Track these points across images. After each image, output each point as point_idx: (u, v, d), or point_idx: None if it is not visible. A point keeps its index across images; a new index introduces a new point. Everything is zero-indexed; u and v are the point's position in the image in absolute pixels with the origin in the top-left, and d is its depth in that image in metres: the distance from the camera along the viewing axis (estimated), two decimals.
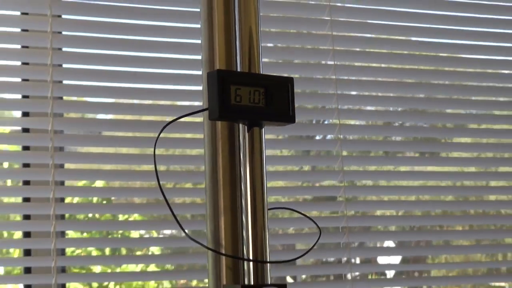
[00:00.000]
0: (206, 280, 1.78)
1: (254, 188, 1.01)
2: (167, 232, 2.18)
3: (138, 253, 2.12)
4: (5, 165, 1.91)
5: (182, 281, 2.17)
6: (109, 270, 1.84)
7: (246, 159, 1.02)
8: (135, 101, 1.78)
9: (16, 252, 1.73)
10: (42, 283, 1.63)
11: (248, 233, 1.00)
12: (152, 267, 1.99)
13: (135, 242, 1.97)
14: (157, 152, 1.78)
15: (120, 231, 2.37)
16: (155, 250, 2.38)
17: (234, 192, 1.04)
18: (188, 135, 1.76)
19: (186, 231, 1.02)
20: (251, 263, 0.99)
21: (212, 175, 1.05)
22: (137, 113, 1.77)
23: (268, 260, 0.99)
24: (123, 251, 2.25)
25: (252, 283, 0.98)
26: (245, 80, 1.01)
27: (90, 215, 1.99)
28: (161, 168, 1.83)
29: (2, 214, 1.77)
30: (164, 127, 1.04)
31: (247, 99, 1.00)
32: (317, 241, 1.14)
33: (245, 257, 1.00)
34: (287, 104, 1.03)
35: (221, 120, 1.03)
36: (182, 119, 1.07)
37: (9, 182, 1.84)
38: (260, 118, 1.02)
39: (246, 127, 1.02)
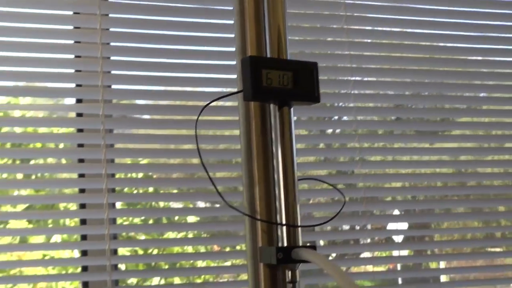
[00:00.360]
0: (237, 247, 1.78)
1: (285, 160, 0.99)
2: (201, 204, 2.18)
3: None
4: (61, 145, 1.90)
5: (216, 247, 2.16)
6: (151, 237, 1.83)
7: (277, 135, 1.00)
8: (178, 88, 1.75)
9: (73, 222, 1.72)
10: (97, 249, 1.62)
11: (281, 201, 0.98)
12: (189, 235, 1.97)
13: (175, 212, 1.97)
14: (192, 132, 1.76)
15: (162, 203, 2.36)
16: (191, 219, 2.37)
17: (267, 164, 1.02)
18: (221, 118, 1.74)
19: (219, 202, 1.01)
20: (284, 227, 0.97)
21: (247, 150, 1.03)
22: (177, 99, 1.76)
23: (299, 224, 0.97)
24: (164, 221, 2.25)
25: (285, 245, 0.96)
26: (274, 65, 0.99)
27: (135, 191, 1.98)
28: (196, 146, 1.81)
29: (60, 188, 1.75)
30: (204, 107, 1.02)
31: (277, 81, 0.98)
32: (342, 207, 1.11)
33: (279, 222, 0.98)
34: (313, 86, 1.01)
35: (254, 101, 1.01)
36: (217, 103, 1.05)
37: (64, 161, 1.84)
38: (288, 98, 1.00)
39: (276, 107, 1.00)
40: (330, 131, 2.12)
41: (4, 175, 1.59)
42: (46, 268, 1.92)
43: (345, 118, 1.94)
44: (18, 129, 1.80)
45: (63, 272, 2.00)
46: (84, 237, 1.65)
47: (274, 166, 1.01)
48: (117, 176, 1.69)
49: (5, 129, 1.79)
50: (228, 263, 1.91)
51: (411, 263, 2.48)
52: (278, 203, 0.98)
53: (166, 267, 1.82)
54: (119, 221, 1.76)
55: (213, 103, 1.05)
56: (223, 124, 1.76)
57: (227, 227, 1.82)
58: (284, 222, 0.97)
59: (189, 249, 1.90)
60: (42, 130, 1.65)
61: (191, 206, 1.88)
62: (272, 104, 1.01)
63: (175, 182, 1.81)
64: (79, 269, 1.67)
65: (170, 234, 1.97)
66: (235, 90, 1.03)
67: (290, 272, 0.96)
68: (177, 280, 2.08)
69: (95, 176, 1.63)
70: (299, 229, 0.97)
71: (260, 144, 1.02)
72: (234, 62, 1.71)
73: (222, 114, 1.75)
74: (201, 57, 1.74)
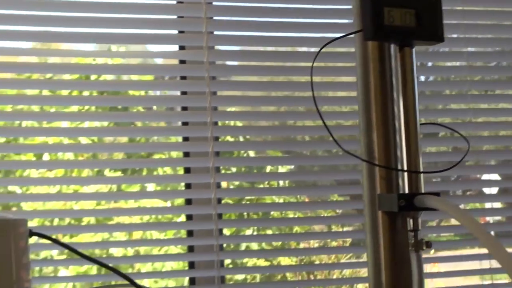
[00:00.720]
0: (332, 197, 1.76)
1: (407, 103, 0.95)
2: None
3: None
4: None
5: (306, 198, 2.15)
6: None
7: (398, 77, 0.96)
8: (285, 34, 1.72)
9: (178, 187, 1.73)
10: (202, 213, 1.63)
11: (402, 145, 0.94)
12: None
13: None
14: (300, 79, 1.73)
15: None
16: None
17: (386, 109, 0.98)
18: (330, 64, 1.71)
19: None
20: (405, 173, 0.93)
21: (365, 93, 0.99)
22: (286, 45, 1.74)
23: (421, 170, 0.93)
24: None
25: (406, 192, 0.93)
26: (397, 2, 0.94)
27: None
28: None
29: (165, 136, 1.77)
30: (323, 47, 0.98)
31: (399, 19, 0.93)
32: (465, 155, 1.07)
33: (399, 168, 0.94)
34: (437, 24, 0.96)
35: (375, 40, 0.97)
36: (332, 48, 1.01)
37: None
38: (411, 38, 0.95)
39: (397, 47, 0.96)
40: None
41: (105, 123, 1.60)
42: (141, 217, 1.95)
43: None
44: (120, 77, 1.81)
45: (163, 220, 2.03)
46: (188, 201, 1.66)
47: (394, 110, 0.97)
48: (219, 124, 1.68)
49: (104, 77, 1.81)
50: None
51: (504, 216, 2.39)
52: (399, 149, 0.95)
53: (257, 216, 1.81)
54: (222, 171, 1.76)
55: (328, 48, 1.01)
56: (337, 70, 1.73)
57: (317, 177, 1.80)
58: (405, 168, 0.93)
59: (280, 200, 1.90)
60: (146, 77, 1.66)
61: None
62: (393, 44, 0.97)
63: (279, 130, 1.79)
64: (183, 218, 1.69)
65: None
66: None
67: (411, 220, 0.93)
68: (269, 231, 2.08)
69: (199, 124, 1.63)
70: (421, 176, 0.94)
71: (378, 88, 0.98)
72: (342, 6, 1.69)
73: (336, 60, 1.72)
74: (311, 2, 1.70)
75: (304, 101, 1.70)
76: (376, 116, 0.98)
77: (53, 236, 0.95)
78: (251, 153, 1.88)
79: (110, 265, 0.98)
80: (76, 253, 0.95)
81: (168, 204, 1.89)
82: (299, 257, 2.30)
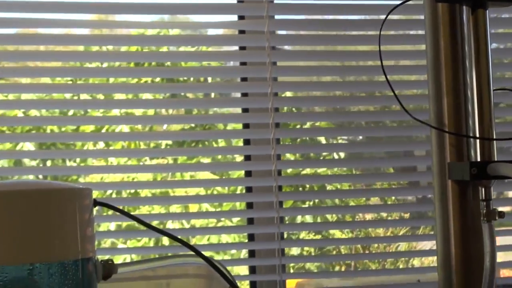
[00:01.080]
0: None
1: (479, 68, 0.92)
2: None
3: None
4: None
5: None
6: None
7: (471, 43, 0.93)
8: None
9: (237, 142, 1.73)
10: (262, 169, 1.62)
11: (474, 111, 0.92)
12: None
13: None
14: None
15: None
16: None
17: (457, 74, 0.96)
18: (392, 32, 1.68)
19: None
20: (477, 142, 0.91)
21: (434, 57, 0.97)
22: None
23: (494, 138, 0.91)
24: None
25: (478, 160, 0.91)
26: None
27: None
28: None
29: (225, 108, 1.77)
30: (391, 10, 0.96)
31: None
32: None
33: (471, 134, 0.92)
34: None
35: (445, 2, 0.94)
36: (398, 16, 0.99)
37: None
38: None
39: (469, 9, 0.93)
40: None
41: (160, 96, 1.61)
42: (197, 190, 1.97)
43: None
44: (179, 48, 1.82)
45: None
46: (248, 158, 1.67)
47: (465, 76, 0.94)
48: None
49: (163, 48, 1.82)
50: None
51: None
52: (471, 118, 0.93)
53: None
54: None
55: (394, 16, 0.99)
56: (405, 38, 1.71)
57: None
58: (477, 135, 0.91)
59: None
60: (204, 48, 1.66)
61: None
62: (465, 5, 0.94)
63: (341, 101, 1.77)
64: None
65: None
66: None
67: (483, 189, 0.91)
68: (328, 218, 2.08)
69: (259, 95, 1.62)
70: (494, 143, 0.91)
71: (449, 52, 0.96)
72: None
73: (401, 28, 1.69)
74: None
75: (364, 70, 1.68)
76: (447, 83, 0.96)
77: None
78: (307, 125, 1.87)
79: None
80: (143, 224, 0.94)
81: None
82: (354, 231, 2.29)
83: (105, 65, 1.60)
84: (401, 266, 2.27)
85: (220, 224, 1.78)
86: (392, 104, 1.77)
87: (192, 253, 0.92)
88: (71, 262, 0.80)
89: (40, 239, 0.78)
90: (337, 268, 2.58)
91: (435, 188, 0.96)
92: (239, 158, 1.86)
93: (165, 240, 1.83)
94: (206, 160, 2.33)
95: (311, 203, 1.74)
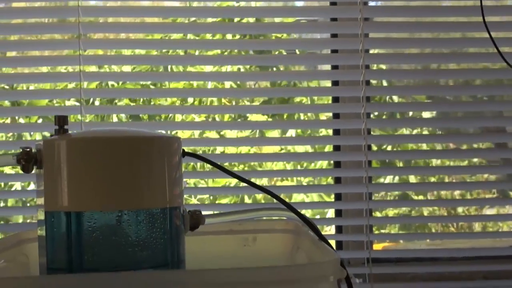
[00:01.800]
0: (474, 145, 1.69)
1: None
2: None
3: None
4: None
5: (451, 145, 2.10)
6: None
7: None
8: None
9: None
10: (353, 160, 1.64)
11: None
12: None
13: None
14: None
15: None
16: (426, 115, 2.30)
17: None
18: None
19: None
20: None
21: None
22: None
23: None
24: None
25: None
26: None
27: None
28: None
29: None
30: None
31: None
32: None
33: None
34: None
35: None
36: None
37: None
38: None
39: None
40: None
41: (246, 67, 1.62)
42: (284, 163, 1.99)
43: None
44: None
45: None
46: (336, 116, 1.68)
47: None
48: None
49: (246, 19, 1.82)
50: (465, 163, 1.92)
51: None
52: None
53: (401, 164, 1.79)
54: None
55: None
56: None
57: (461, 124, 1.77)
58: None
59: (424, 146, 1.89)
60: (289, 19, 1.66)
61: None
62: None
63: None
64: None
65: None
66: None
67: None
68: (412, 179, 2.05)
69: (351, 52, 1.63)
70: None
71: None
72: None
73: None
74: None
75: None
76: None
77: None
78: (395, 99, 1.85)
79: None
80: (235, 176, 0.94)
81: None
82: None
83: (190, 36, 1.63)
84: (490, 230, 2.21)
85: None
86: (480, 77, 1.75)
87: (279, 207, 0.92)
88: (159, 211, 0.81)
89: (129, 186, 0.78)
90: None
91: None
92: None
93: (246, 199, 1.89)
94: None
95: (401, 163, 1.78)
